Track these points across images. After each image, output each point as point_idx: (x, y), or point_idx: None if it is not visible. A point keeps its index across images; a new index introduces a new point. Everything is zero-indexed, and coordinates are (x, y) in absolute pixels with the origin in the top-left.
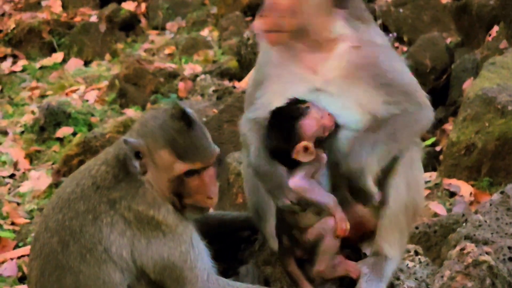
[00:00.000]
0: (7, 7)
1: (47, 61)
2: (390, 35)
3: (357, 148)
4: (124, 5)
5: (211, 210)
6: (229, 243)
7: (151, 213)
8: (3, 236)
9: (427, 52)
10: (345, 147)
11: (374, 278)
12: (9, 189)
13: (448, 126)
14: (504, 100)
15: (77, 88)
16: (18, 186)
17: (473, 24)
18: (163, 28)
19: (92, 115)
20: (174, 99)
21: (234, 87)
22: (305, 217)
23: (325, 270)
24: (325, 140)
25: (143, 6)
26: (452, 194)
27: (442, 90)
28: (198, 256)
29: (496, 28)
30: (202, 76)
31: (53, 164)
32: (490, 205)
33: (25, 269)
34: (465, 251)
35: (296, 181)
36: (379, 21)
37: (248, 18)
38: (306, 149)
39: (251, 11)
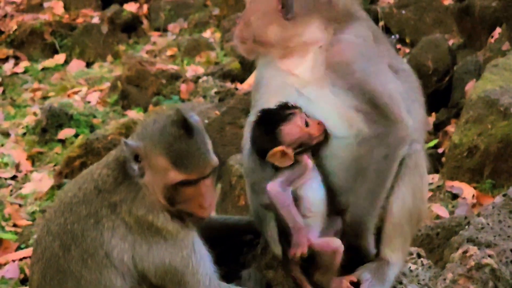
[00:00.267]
0: (9, 9)
1: (49, 63)
2: (393, 36)
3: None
4: (126, 6)
5: (212, 214)
6: (231, 246)
7: (150, 218)
8: (5, 238)
9: (429, 54)
10: (333, 157)
11: (376, 283)
12: (11, 190)
13: (451, 128)
14: (507, 102)
15: (79, 90)
16: (20, 188)
17: (475, 26)
18: (165, 30)
19: (94, 116)
20: (176, 101)
21: (236, 89)
22: None
23: (323, 280)
24: (317, 149)
25: (145, 7)
26: (455, 196)
27: (444, 92)
28: (200, 261)
29: (498, 30)
30: (204, 78)
31: (55, 165)
32: (493, 207)
33: (27, 271)
34: (467, 254)
35: (273, 185)
36: (381, 23)
37: None
38: (283, 154)
39: None
